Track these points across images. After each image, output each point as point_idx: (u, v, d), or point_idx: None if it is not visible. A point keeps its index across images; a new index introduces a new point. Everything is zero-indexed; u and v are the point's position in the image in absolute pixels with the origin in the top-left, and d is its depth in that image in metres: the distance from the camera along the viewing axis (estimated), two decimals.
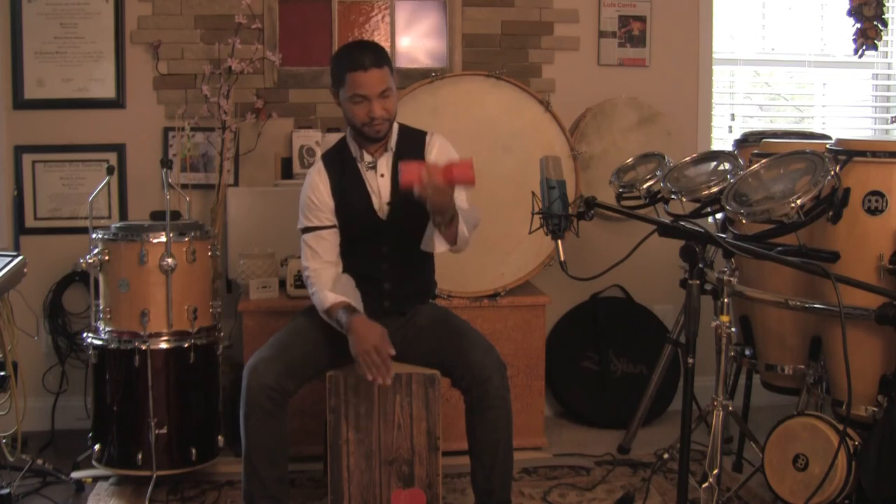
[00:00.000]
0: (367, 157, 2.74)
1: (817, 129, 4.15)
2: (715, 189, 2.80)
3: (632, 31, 4.02)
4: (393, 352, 2.55)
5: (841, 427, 2.47)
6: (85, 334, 3.23)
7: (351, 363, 2.73)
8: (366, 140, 2.72)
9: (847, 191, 2.55)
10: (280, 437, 2.59)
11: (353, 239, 2.77)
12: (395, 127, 2.77)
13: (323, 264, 2.72)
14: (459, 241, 2.65)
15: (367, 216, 2.73)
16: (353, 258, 2.77)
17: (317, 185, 2.74)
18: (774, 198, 2.38)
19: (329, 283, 2.69)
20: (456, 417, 2.94)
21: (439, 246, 2.66)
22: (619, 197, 3.17)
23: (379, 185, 2.74)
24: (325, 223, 2.73)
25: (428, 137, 2.80)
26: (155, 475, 3.04)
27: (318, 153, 3.57)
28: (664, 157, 3.17)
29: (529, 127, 3.48)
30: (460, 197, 2.66)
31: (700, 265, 2.23)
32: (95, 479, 3.22)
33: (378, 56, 2.63)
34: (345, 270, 2.78)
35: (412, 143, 2.78)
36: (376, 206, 2.74)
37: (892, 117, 4.44)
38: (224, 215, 3.68)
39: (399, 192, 2.71)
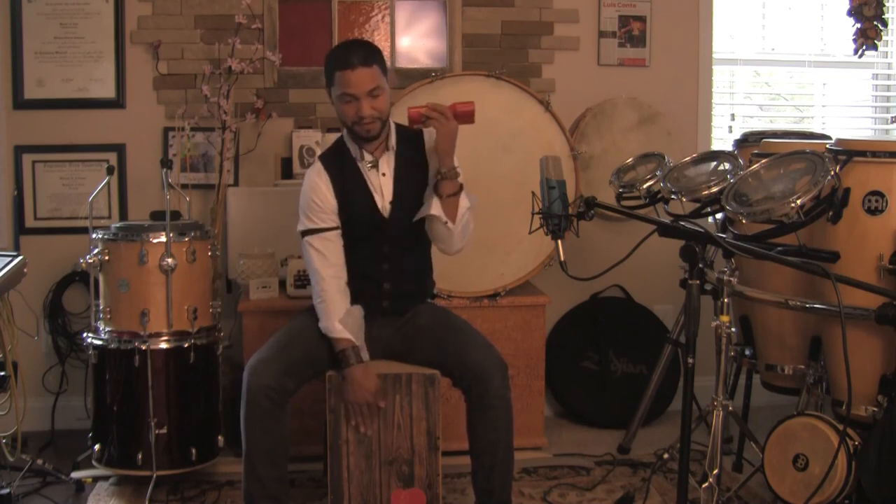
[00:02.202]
0: (368, 157, 2.74)
1: (817, 129, 4.15)
2: (715, 189, 2.80)
3: (632, 31, 4.02)
4: (383, 405, 2.65)
5: (841, 427, 2.47)
6: (85, 334, 3.23)
7: None
8: (361, 139, 2.71)
9: (847, 191, 2.55)
10: (280, 437, 2.59)
11: (354, 239, 2.76)
12: (393, 126, 2.77)
13: (333, 270, 2.68)
14: (458, 219, 2.64)
15: (370, 215, 2.73)
16: (353, 258, 2.77)
17: (318, 186, 2.71)
18: (774, 198, 2.38)
19: (340, 311, 2.66)
20: (456, 417, 2.94)
21: (435, 209, 2.63)
22: (619, 197, 3.17)
23: (381, 183, 2.74)
24: (329, 224, 2.71)
25: (427, 134, 2.80)
26: (155, 475, 3.04)
27: (318, 153, 3.57)
28: (664, 157, 3.17)
29: (529, 127, 3.48)
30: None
31: (700, 265, 2.23)
32: (95, 479, 3.22)
33: (366, 54, 2.61)
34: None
35: (412, 143, 2.78)
36: (379, 205, 2.73)
37: (892, 117, 4.44)
38: (224, 215, 3.68)
39: (401, 190, 2.72)
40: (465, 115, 2.65)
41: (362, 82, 2.59)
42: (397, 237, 2.74)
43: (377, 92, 2.62)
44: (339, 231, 2.72)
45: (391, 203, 2.73)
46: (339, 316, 2.65)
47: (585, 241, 3.52)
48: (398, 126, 2.79)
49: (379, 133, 2.69)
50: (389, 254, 2.76)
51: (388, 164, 2.74)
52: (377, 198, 2.73)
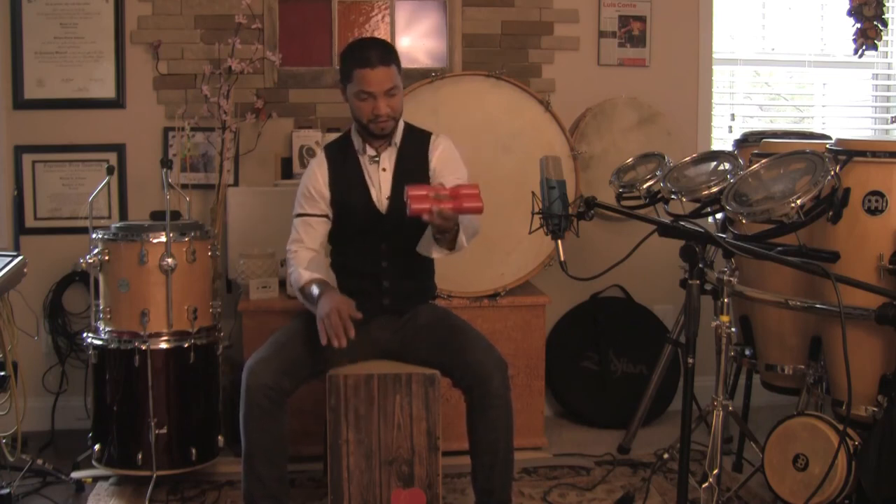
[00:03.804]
0: (370, 151, 2.76)
1: (817, 129, 4.15)
2: (715, 189, 2.80)
3: (632, 31, 4.02)
4: (358, 315, 2.53)
5: (841, 427, 2.47)
6: (85, 334, 3.23)
7: (350, 363, 2.74)
8: (372, 136, 2.73)
9: (847, 191, 2.55)
10: (279, 436, 2.59)
11: (352, 234, 2.77)
12: (401, 124, 2.79)
13: (303, 249, 2.76)
14: (457, 249, 2.66)
15: (365, 209, 2.74)
16: (352, 255, 2.78)
17: (315, 176, 2.76)
18: (774, 198, 2.38)
19: (305, 262, 2.73)
20: (456, 417, 2.94)
21: (436, 253, 2.68)
22: (619, 197, 3.17)
23: (380, 178, 2.75)
24: (315, 211, 2.76)
25: (433, 138, 2.81)
26: (155, 475, 3.04)
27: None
28: (664, 157, 3.17)
29: (529, 127, 3.48)
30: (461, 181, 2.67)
31: (700, 265, 2.23)
32: (95, 479, 3.22)
33: (386, 54, 2.66)
34: (344, 268, 2.79)
35: (417, 143, 2.79)
36: (375, 199, 2.75)
37: (892, 117, 4.44)
38: (224, 215, 3.68)
39: (399, 188, 2.72)
40: (471, 211, 2.44)
41: (381, 81, 2.63)
42: (396, 234, 2.75)
43: (394, 91, 2.66)
44: (324, 220, 2.77)
45: (388, 199, 2.74)
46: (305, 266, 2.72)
47: (585, 241, 3.52)
48: (406, 125, 2.81)
49: (391, 132, 2.73)
50: (388, 251, 2.76)
51: (389, 159, 2.76)
52: (373, 192, 2.75)
